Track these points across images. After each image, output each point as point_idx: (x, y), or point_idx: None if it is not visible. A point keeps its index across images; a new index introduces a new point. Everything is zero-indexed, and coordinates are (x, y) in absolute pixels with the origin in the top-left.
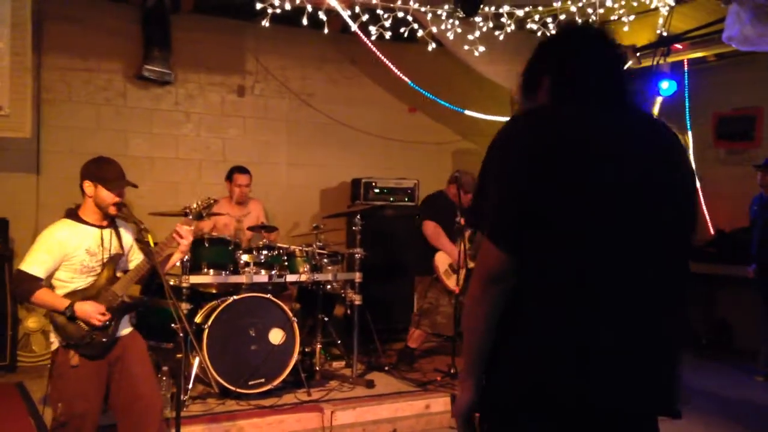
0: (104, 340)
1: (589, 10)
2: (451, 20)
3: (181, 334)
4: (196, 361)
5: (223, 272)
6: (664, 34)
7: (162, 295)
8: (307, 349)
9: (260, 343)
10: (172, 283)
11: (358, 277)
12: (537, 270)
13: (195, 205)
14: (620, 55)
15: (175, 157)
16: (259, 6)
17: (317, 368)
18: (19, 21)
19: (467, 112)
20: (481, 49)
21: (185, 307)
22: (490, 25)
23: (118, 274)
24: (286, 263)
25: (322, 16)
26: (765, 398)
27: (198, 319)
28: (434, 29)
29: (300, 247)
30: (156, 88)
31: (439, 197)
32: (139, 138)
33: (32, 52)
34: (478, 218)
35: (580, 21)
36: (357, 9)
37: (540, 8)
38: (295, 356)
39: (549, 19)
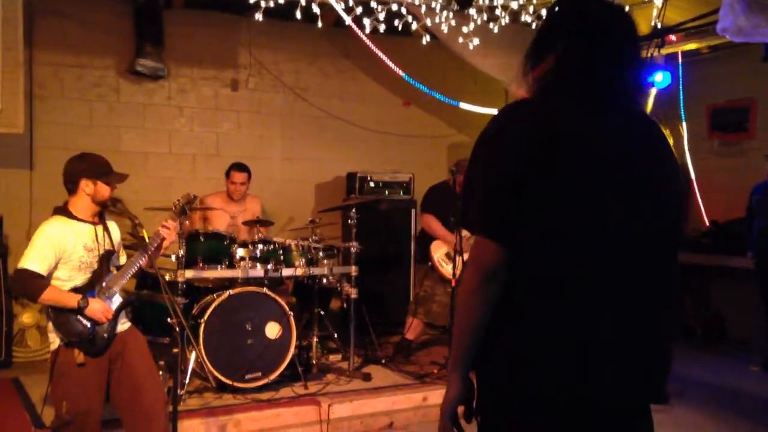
0: (105, 335)
1: None
2: (445, 13)
3: (178, 329)
4: (193, 356)
5: (219, 266)
6: (659, 25)
7: (157, 290)
8: (303, 343)
9: (256, 337)
10: (167, 277)
11: (353, 270)
12: (536, 263)
13: (176, 201)
14: (638, 44)
15: (168, 152)
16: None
17: (314, 362)
18: (10, 16)
19: (462, 106)
20: (476, 41)
21: (181, 301)
22: (485, 17)
23: (112, 270)
24: (282, 257)
25: (315, 9)
26: (759, 388)
27: (194, 313)
28: (428, 22)
29: (295, 241)
30: (149, 83)
31: (440, 187)
32: (132, 133)
33: (24, 48)
34: (466, 217)
35: None
36: (351, 2)
37: (534, 0)
38: (292, 350)
39: (543, 11)
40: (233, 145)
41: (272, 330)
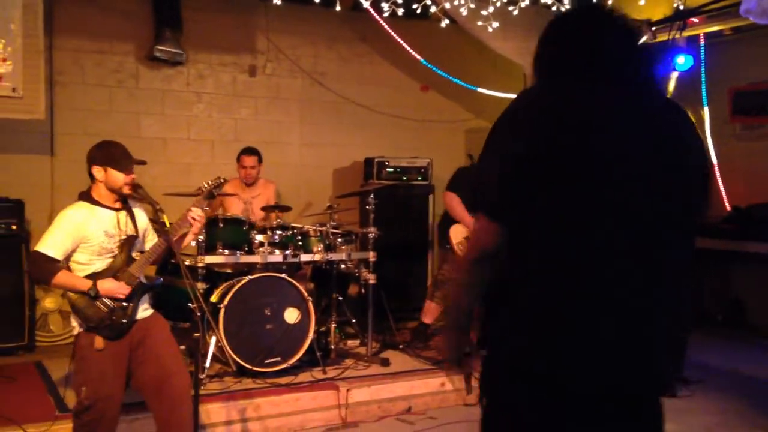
0: (124, 321)
1: None
2: None
3: (198, 314)
4: (213, 340)
5: (238, 252)
6: (681, 7)
7: (178, 275)
8: (322, 328)
9: (275, 323)
10: (187, 263)
11: (371, 256)
12: (541, 246)
13: (205, 185)
14: (635, 32)
15: (187, 137)
16: None
17: (332, 347)
18: (31, 3)
19: (480, 90)
20: (495, 25)
21: (201, 286)
22: (504, 0)
23: (134, 255)
24: (300, 243)
25: None
26: None
27: (214, 298)
28: (447, 5)
29: (314, 227)
30: (167, 69)
31: (469, 169)
32: (151, 119)
33: (44, 35)
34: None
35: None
36: None
37: None
38: (311, 335)
39: None
40: (251, 130)
41: (291, 315)
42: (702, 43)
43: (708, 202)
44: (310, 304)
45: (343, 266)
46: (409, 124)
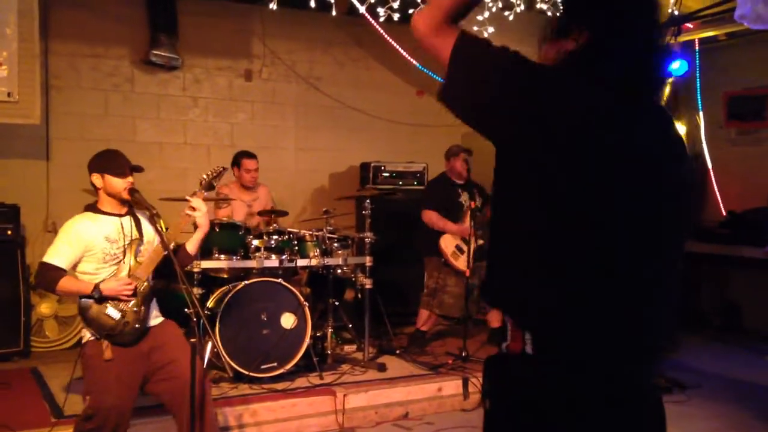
0: (137, 326)
1: None
2: None
3: (195, 319)
4: (209, 346)
5: (234, 257)
6: (675, 13)
7: (173, 280)
8: (318, 333)
9: (272, 328)
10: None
11: (368, 261)
12: (540, 242)
13: (205, 176)
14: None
15: (183, 142)
16: None
17: (329, 352)
18: (26, 7)
19: None
20: (490, 30)
21: (197, 291)
22: (500, 5)
23: (139, 259)
24: (297, 248)
25: None
26: None
27: (210, 303)
28: None
29: (310, 232)
30: (163, 74)
31: (438, 181)
32: (147, 123)
33: (40, 39)
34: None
35: None
36: None
37: None
38: (307, 340)
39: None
40: (247, 135)
41: (287, 320)
42: (697, 48)
43: (700, 208)
44: (307, 309)
45: (339, 271)
46: (405, 129)
